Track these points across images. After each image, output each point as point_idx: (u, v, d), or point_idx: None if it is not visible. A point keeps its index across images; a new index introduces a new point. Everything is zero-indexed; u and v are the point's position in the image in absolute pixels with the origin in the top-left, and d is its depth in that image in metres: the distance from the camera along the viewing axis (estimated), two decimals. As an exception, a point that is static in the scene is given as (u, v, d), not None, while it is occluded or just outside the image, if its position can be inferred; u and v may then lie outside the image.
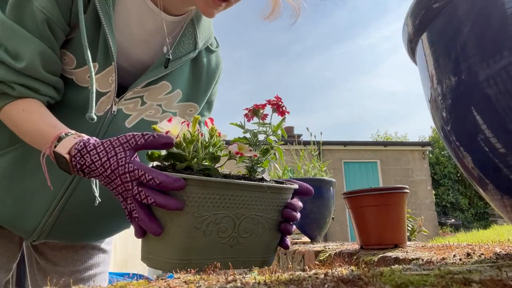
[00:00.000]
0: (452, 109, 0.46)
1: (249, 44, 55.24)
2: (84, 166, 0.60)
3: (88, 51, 0.73)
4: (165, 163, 0.64)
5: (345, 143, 11.48)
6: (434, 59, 0.48)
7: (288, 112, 0.72)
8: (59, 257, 1.00)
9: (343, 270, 0.42)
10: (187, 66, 0.92)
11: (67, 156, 0.61)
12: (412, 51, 0.57)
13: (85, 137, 0.64)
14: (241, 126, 0.71)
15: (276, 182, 0.69)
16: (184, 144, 0.61)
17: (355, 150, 11.55)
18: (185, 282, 0.38)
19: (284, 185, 0.66)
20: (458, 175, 15.00)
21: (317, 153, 2.10)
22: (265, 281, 0.36)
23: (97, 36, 0.78)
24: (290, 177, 1.86)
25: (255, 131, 0.70)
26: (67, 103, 0.80)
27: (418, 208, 11.10)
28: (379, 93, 50.59)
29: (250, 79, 55.03)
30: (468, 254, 0.58)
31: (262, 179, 0.66)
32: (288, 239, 0.70)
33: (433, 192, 12.21)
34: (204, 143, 0.63)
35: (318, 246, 1.22)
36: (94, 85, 0.74)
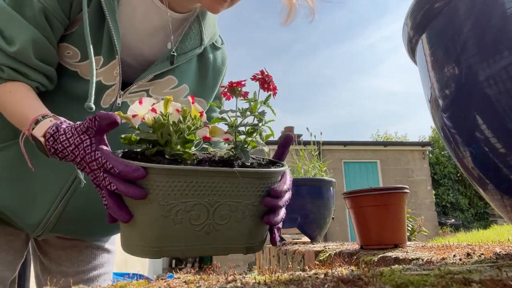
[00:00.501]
0: (452, 109, 0.46)
1: (249, 42, 55.27)
2: (58, 151, 0.59)
3: (91, 45, 0.75)
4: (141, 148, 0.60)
5: (345, 143, 11.48)
6: (434, 59, 0.48)
7: (275, 88, 0.66)
8: (64, 258, 1.00)
9: (343, 270, 0.42)
10: (193, 62, 0.93)
11: (42, 139, 0.62)
12: (412, 51, 0.57)
13: (60, 120, 0.63)
14: (218, 106, 0.66)
15: (263, 165, 0.64)
16: (154, 128, 0.57)
17: (355, 150, 11.55)
18: (185, 282, 0.38)
19: (262, 170, 0.60)
20: (458, 175, 15.00)
21: (317, 153, 2.10)
22: (265, 281, 0.36)
23: (101, 30, 0.79)
24: (290, 177, 1.86)
25: (233, 111, 0.63)
26: (72, 96, 0.81)
27: (418, 208, 11.10)
28: (379, 93, 50.61)
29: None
30: (468, 254, 0.58)
31: (243, 164, 0.61)
32: (277, 233, 0.65)
33: (433, 192, 12.21)
34: (176, 127, 0.58)
35: (318, 246, 1.22)
36: (94, 76, 0.75)
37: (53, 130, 0.60)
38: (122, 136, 0.60)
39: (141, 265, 7.50)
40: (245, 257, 10.00)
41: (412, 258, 0.65)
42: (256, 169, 0.60)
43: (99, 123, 0.56)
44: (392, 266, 0.45)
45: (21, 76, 0.74)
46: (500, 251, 0.59)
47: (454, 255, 0.59)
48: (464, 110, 0.44)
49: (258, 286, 0.34)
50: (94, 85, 0.75)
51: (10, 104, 0.72)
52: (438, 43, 0.47)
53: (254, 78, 0.65)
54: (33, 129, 0.64)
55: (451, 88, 0.45)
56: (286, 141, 0.69)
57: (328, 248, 1.08)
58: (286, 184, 0.63)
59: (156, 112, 0.58)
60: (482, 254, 0.58)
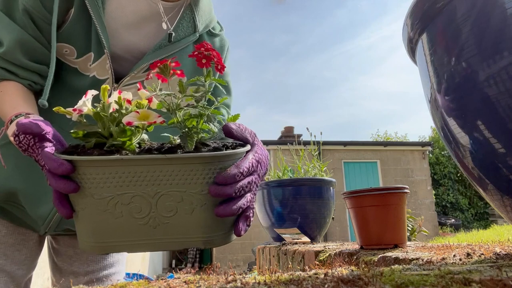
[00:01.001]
0: (452, 109, 0.46)
1: (248, 44, 55.24)
2: (24, 150, 0.58)
3: (55, 42, 0.77)
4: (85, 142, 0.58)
5: (345, 143, 11.48)
6: (434, 59, 0.48)
7: (220, 62, 0.59)
8: (74, 257, 1.01)
9: (343, 270, 0.42)
10: (189, 50, 0.92)
11: (11, 139, 0.61)
12: (412, 51, 0.57)
13: (25, 120, 0.60)
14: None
15: (216, 148, 0.57)
16: (96, 119, 0.55)
17: (355, 150, 11.55)
18: (185, 282, 0.38)
19: (202, 154, 0.54)
20: (458, 175, 15.00)
21: (317, 153, 2.10)
22: (265, 281, 0.36)
23: (89, 26, 0.81)
24: (290, 177, 1.86)
25: (168, 94, 0.57)
26: (75, 90, 0.84)
27: (418, 208, 11.10)
28: (379, 93, 50.60)
29: (250, 79, 55.03)
30: (468, 254, 0.58)
31: (196, 148, 0.56)
32: (242, 223, 0.58)
33: (433, 192, 12.20)
34: (115, 116, 0.55)
35: (318, 246, 1.22)
36: (52, 73, 0.77)
37: (17, 131, 0.58)
38: (72, 131, 0.57)
39: (141, 265, 7.50)
40: (245, 257, 10.00)
41: (412, 258, 0.65)
42: (193, 153, 0.54)
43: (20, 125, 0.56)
44: (392, 266, 0.45)
45: (11, 74, 0.77)
46: (500, 251, 0.58)
47: (454, 255, 0.59)
48: (464, 110, 0.44)
49: (258, 286, 0.34)
50: (50, 82, 0.76)
51: (0, 102, 0.75)
52: (438, 43, 0.47)
53: (193, 55, 0.59)
54: (7, 128, 0.67)
55: (451, 88, 0.45)
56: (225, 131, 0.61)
57: (328, 248, 1.08)
58: (242, 166, 0.55)
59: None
60: (482, 254, 0.58)
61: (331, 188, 1.63)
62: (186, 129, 0.57)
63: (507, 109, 0.38)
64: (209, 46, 0.58)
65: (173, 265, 11.56)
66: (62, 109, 0.57)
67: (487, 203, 13.46)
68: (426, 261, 0.58)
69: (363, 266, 0.56)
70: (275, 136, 14.37)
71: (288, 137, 12.24)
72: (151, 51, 0.85)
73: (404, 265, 0.47)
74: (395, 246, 0.90)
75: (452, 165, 14.91)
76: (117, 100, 0.56)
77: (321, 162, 1.89)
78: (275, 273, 0.42)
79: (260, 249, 1.81)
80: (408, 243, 1.00)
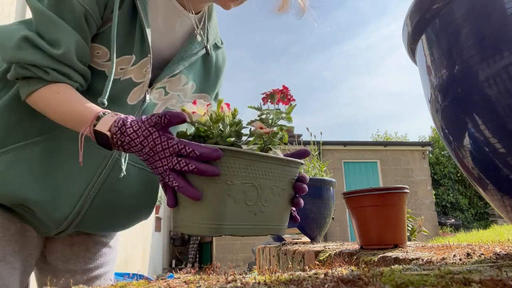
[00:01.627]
0: (452, 109, 0.46)
1: (248, 44, 55.22)
2: (125, 143, 0.66)
3: (115, 44, 0.79)
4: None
5: (345, 143, 11.47)
6: (434, 59, 0.48)
7: (294, 100, 0.82)
8: (70, 255, 1.00)
9: (343, 270, 0.42)
10: (199, 61, 1.00)
11: (108, 134, 0.67)
12: (412, 51, 0.57)
13: (122, 115, 0.69)
14: (259, 109, 0.79)
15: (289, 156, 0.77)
16: (211, 123, 0.70)
17: (355, 150, 11.54)
18: (185, 282, 0.38)
19: (297, 160, 0.73)
20: (458, 175, 14.99)
21: (317, 153, 2.10)
22: (265, 281, 0.36)
23: (132, 29, 0.83)
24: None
25: (268, 112, 0.79)
26: (98, 94, 0.85)
27: (418, 208, 11.10)
28: (379, 93, 50.59)
29: (250, 79, 55.01)
30: (468, 254, 0.58)
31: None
32: (296, 214, 0.77)
33: (433, 192, 12.20)
34: (230, 121, 0.72)
35: (318, 246, 1.22)
36: (113, 74, 0.79)
37: (120, 124, 0.66)
38: (178, 131, 0.71)
39: (141, 265, 7.50)
40: (245, 257, 10.00)
41: (412, 258, 0.65)
42: (294, 158, 0.72)
43: (169, 120, 0.63)
44: (392, 266, 0.45)
45: (65, 77, 0.78)
46: (500, 251, 0.58)
47: (454, 255, 0.59)
48: (464, 110, 0.44)
49: (258, 286, 0.34)
50: (111, 82, 0.79)
51: (61, 104, 0.76)
52: (438, 43, 0.47)
53: (274, 91, 0.81)
54: (94, 125, 0.69)
55: (451, 88, 0.45)
56: (302, 154, 0.77)
57: (328, 248, 1.08)
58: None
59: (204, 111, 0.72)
60: (482, 254, 0.58)
61: (331, 188, 1.63)
62: (273, 139, 0.76)
63: (507, 109, 0.38)
64: (287, 88, 0.82)
65: (173, 265, 11.55)
66: (187, 109, 0.69)
67: (487, 203, 13.46)
68: (426, 261, 0.58)
69: (363, 266, 0.55)
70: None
71: (288, 137, 12.22)
72: (176, 60, 0.91)
73: (404, 265, 0.47)
74: (395, 246, 0.90)
75: (452, 165, 14.91)
76: (234, 112, 0.74)
77: (321, 162, 1.89)
78: (275, 273, 0.42)
79: (260, 249, 1.81)
80: (408, 243, 1.00)
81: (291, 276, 0.38)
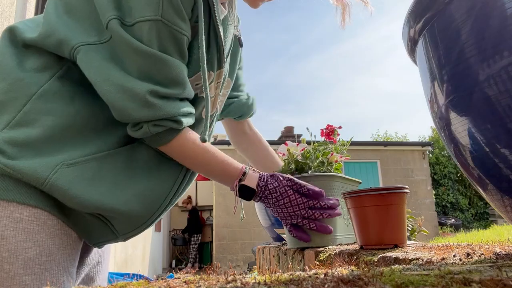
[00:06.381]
0: (452, 109, 0.46)
1: (247, 44, 55.19)
2: (263, 197, 0.82)
3: (206, 76, 0.77)
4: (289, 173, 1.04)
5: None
6: (434, 59, 0.48)
7: (334, 139, 1.19)
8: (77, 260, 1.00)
9: (343, 270, 0.42)
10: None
11: (256, 189, 0.82)
12: (412, 51, 0.57)
13: (260, 173, 0.84)
14: (325, 143, 1.16)
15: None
16: (304, 159, 1.01)
17: (355, 150, 11.54)
18: (185, 282, 0.38)
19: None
20: (458, 175, 14.98)
21: (317, 153, 2.09)
22: (265, 281, 0.36)
23: (211, 47, 0.82)
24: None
25: (327, 147, 1.13)
26: None
27: (418, 208, 11.09)
28: (379, 93, 50.59)
29: (250, 79, 54.98)
30: (468, 254, 0.58)
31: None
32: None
33: (433, 192, 12.19)
34: (318, 154, 1.04)
35: (318, 246, 1.21)
36: (209, 110, 0.78)
37: (263, 182, 0.82)
38: (276, 170, 1.06)
39: (141, 265, 7.50)
40: (245, 257, 10.00)
41: (412, 258, 0.65)
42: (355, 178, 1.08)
43: (311, 194, 0.85)
44: (392, 266, 0.45)
45: (191, 117, 0.79)
46: (500, 251, 0.58)
47: (454, 255, 0.59)
48: (464, 110, 0.44)
49: (258, 286, 0.34)
50: (209, 119, 0.78)
51: (201, 156, 0.81)
52: (438, 43, 0.47)
53: (324, 131, 1.18)
54: (240, 180, 0.82)
55: (451, 88, 0.45)
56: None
57: (328, 248, 1.08)
58: None
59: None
60: (482, 254, 0.58)
61: (331, 188, 1.62)
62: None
63: (507, 109, 0.38)
64: (333, 127, 1.22)
65: (173, 265, 11.55)
66: (287, 148, 1.07)
67: (487, 203, 13.45)
68: (426, 261, 0.58)
69: (363, 266, 0.55)
70: (275, 136, 14.33)
71: (288, 137, 12.22)
72: (230, 60, 0.96)
73: (404, 265, 0.47)
74: (395, 246, 0.90)
75: (452, 165, 14.90)
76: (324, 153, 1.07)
77: (321, 162, 1.89)
78: (275, 273, 0.42)
79: (260, 249, 1.81)
80: (408, 243, 1.00)
81: (291, 276, 0.38)
